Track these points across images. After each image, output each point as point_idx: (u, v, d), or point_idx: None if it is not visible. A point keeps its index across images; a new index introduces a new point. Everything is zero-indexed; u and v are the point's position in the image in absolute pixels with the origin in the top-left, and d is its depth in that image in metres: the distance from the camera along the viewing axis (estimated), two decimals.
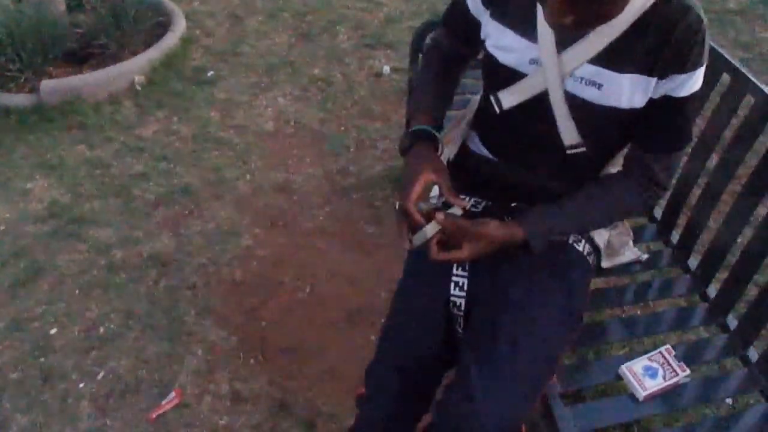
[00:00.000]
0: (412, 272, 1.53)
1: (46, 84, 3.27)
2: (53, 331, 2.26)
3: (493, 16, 1.37)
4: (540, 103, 1.35)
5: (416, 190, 1.31)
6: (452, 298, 1.43)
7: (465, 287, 1.43)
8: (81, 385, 2.10)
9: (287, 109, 3.44)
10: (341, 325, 2.32)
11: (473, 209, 1.52)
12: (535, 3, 1.28)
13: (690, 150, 1.86)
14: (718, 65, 1.75)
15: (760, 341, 1.67)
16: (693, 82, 1.27)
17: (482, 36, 1.43)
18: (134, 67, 3.51)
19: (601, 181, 1.45)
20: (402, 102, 3.37)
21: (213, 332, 2.27)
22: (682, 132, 1.35)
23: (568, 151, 1.40)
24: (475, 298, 1.42)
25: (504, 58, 1.37)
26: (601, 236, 1.59)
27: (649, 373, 1.56)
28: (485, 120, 1.53)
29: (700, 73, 1.27)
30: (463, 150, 1.61)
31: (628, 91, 1.28)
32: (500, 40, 1.37)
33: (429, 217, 1.30)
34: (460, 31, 1.52)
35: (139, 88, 3.50)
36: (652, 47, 1.24)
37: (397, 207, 1.37)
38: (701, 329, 2.08)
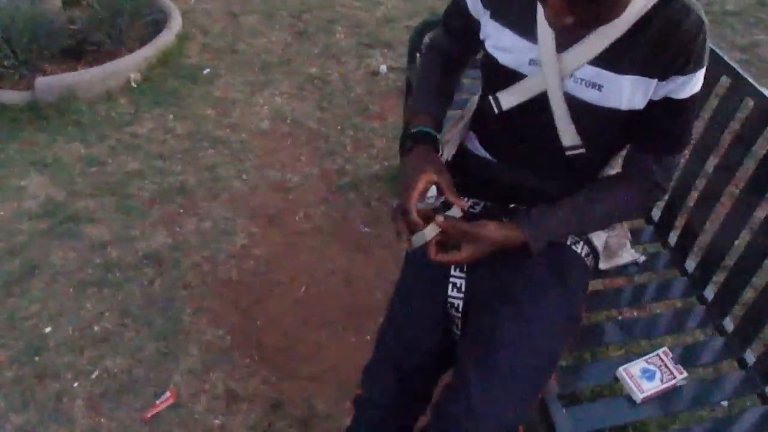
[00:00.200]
0: (410, 273, 1.52)
1: (41, 81, 3.25)
2: (48, 329, 2.25)
3: (492, 16, 1.37)
4: (539, 104, 1.34)
5: (418, 189, 1.30)
6: (450, 300, 1.43)
7: (463, 289, 1.42)
8: (75, 384, 2.08)
9: (283, 107, 3.43)
10: (337, 324, 2.31)
11: (471, 210, 1.51)
12: (535, 3, 1.27)
13: (688, 152, 1.86)
14: (717, 67, 1.74)
15: (757, 344, 1.67)
16: (693, 83, 1.27)
17: (482, 36, 1.42)
18: (130, 65, 3.49)
19: (600, 182, 1.45)
20: (399, 101, 3.36)
21: (208, 331, 2.26)
22: (682, 134, 1.35)
23: (568, 153, 1.39)
24: (473, 300, 1.42)
25: (503, 58, 1.37)
26: (599, 238, 1.59)
27: (647, 376, 1.55)
28: (484, 121, 1.53)
29: (701, 74, 1.27)
30: (461, 151, 1.61)
31: (629, 92, 1.27)
32: (500, 41, 1.37)
33: (426, 217, 1.29)
34: (460, 31, 1.51)
35: (134, 85, 3.48)
36: (653, 49, 1.23)
37: (393, 206, 1.36)
38: (698, 332, 2.07)
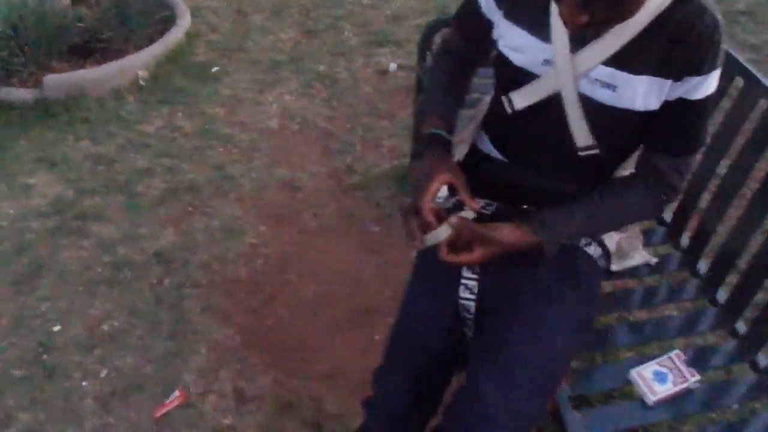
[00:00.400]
0: (421, 274, 1.51)
1: (49, 79, 3.25)
2: (56, 328, 2.25)
3: (506, 15, 1.36)
4: (553, 104, 1.33)
5: (433, 189, 1.29)
6: (462, 302, 1.42)
7: (475, 291, 1.41)
8: (84, 383, 2.08)
9: (292, 105, 3.42)
10: (346, 324, 2.30)
11: (483, 211, 1.50)
12: (549, 3, 1.26)
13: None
14: (731, 68, 1.73)
15: None
16: (708, 84, 1.26)
17: (495, 36, 1.41)
18: (138, 62, 3.49)
19: (613, 184, 1.43)
20: (408, 100, 3.35)
21: (217, 331, 2.26)
22: (696, 135, 1.34)
23: (581, 153, 1.38)
24: (485, 302, 1.41)
25: (516, 58, 1.36)
26: (611, 239, 1.57)
27: (659, 378, 1.54)
28: (496, 121, 1.51)
29: (716, 75, 1.26)
30: (473, 151, 1.59)
31: (643, 93, 1.26)
32: (513, 40, 1.36)
33: (437, 217, 1.29)
34: (472, 31, 1.50)
35: (143, 83, 3.48)
36: (668, 49, 1.22)
37: (402, 206, 1.35)
38: (710, 334, 2.06)
